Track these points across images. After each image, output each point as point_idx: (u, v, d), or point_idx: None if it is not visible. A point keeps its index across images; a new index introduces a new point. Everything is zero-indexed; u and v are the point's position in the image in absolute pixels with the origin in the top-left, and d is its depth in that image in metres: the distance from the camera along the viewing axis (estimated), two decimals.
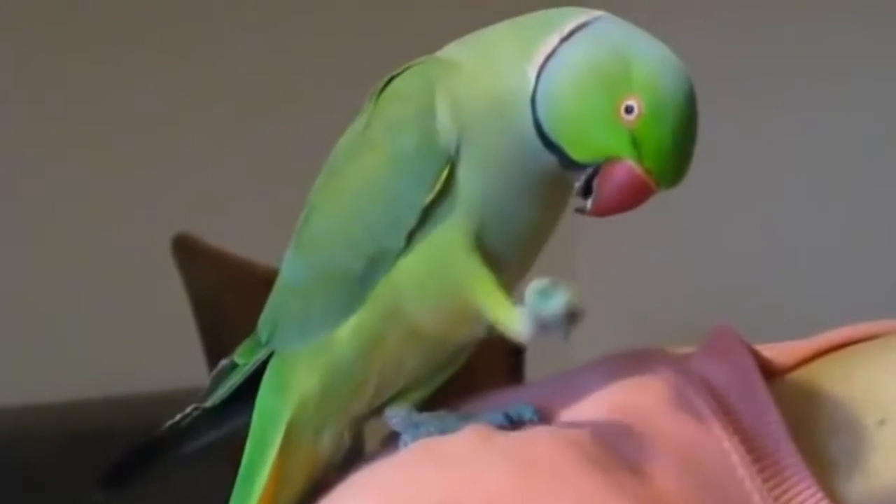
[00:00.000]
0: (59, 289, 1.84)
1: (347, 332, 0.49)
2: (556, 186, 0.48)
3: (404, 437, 0.50)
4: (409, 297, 0.48)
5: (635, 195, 0.46)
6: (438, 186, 0.47)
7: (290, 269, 0.52)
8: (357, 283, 0.49)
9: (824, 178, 1.93)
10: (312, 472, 0.52)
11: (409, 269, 0.48)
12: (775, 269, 1.96)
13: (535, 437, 0.46)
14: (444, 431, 0.48)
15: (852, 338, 0.52)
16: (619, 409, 0.47)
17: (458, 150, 0.47)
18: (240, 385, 0.53)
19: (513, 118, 0.47)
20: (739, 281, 1.99)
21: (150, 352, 1.84)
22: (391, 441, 0.51)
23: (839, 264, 1.87)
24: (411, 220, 0.47)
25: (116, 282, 1.87)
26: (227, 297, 1.45)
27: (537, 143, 0.47)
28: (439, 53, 0.50)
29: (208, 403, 0.54)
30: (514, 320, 0.46)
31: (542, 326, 0.45)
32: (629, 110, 0.45)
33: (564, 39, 0.46)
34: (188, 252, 1.54)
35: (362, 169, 0.49)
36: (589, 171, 0.46)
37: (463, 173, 0.47)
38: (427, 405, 0.52)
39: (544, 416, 0.49)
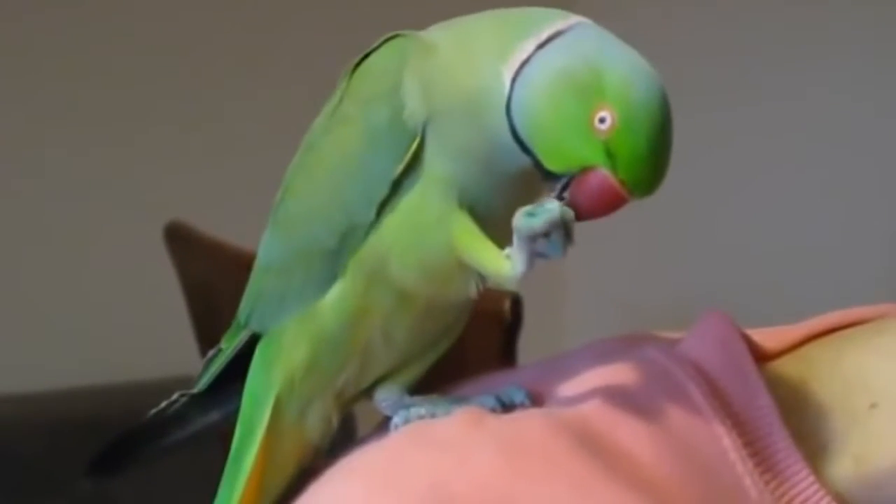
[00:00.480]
0: (51, 277, 1.84)
1: (331, 303, 0.50)
2: (529, 180, 0.48)
3: (395, 420, 0.50)
4: (394, 261, 0.49)
5: (609, 204, 0.46)
6: (408, 157, 0.47)
7: (266, 250, 0.53)
8: (331, 258, 0.49)
9: (810, 169, 1.93)
10: (300, 455, 0.52)
11: (391, 233, 0.48)
12: (765, 259, 1.96)
13: (526, 421, 0.45)
14: (434, 414, 0.48)
15: (842, 322, 0.52)
16: (611, 392, 0.47)
17: (424, 130, 0.48)
18: (230, 371, 0.53)
19: (486, 119, 0.47)
20: (730, 269, 1.99)
21: (143, 340, 1.84)
22: (383, 425, 0.51)
23: (827, 253, 1.87)
24: (383, 191, 0.48)
25: (108, 270, 1.87)
26: (220, 285, 1.45)
27: (512, 145, 0.47)
28: (422, 33, 0.50)
29: (194, 390, 0.54)
30: (504, 264, 0.46)
31: (536, 251, 0.45)
32: (602, 121, 0.45)
33: (541, 46, 0.46)
34: (181, 240, 1.54)
35: (335, 144, 0.50)
36: (564, 180, 0.46)
37: (430, 153, 0.48)
38: (419, 389, 0.52)
39: (536, 400, 0.49)
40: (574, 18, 0.47)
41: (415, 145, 0.48)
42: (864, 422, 0.48)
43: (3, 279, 1.82)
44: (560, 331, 2.15)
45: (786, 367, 0.51)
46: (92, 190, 1.85)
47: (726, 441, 0.46)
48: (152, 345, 1.80)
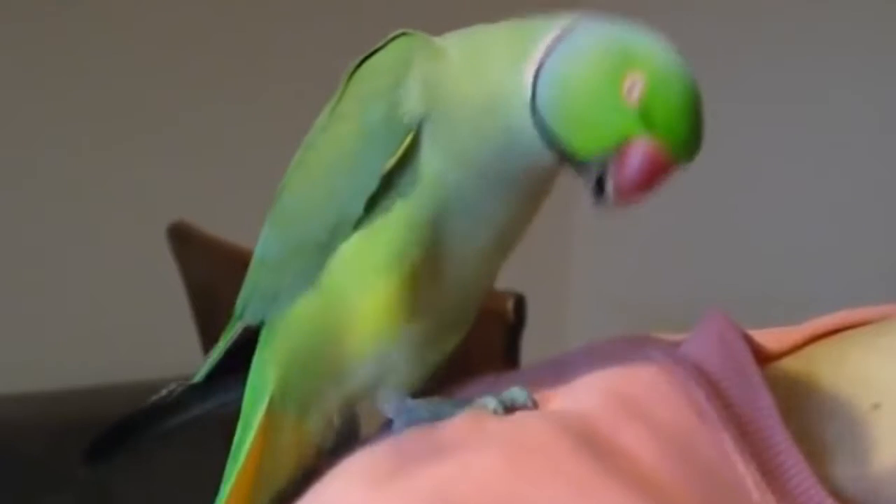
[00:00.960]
0: (52, 277, 1.84)
1: (318, 297, 0.50)
2: (534, 185, 0.48)
3: (397, 424, 0.50)
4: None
5: (654, 173, 0.45)
6: (400, 152, 0.47)
7: (264, 245, 0.53)
8: (322, 252, 0.49)
9: (812, 170, 1.93)
10: (300, 453, 0.52)
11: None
12: (767, 260, 1.96)
13: (528, 423, 0.45)
14: (437, 417, 0.48)
15: (845, 323, 0.52)
16: (613, 394, 0.47)
17: (421, 130, 0.48)
18: (231, 364, 0.54)
19: (502, 122, 0.47)
20: (732, 271, 1.99)
21: (146, 340, 1.84)
22: (385, 428, 0.51)
23: (829, 254, 1.87)
24: (371, 186, 0.48)
25: (111, 270, 1.87)
26: (224, 285, 1.44)
27: (529, 145, 0.47)
28: (434, 38, 0.50)
29: (192, 381, 0.54)
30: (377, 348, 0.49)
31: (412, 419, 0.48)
32: (632, 88, 0.45)
33: (559, 40, 0.47)
34: (184, 240, 1.54)
35: (331, 140, 0.50)
36: (599, 166, 0.46)
37: (426, 153, 0.48)
38: (421, 391, 0.52)
39: (538, 402, 0.49)
40: (581, 13, 0.48)
41: (408, 140, 0.48)
42: (867, 422, 0.48)
43: (3, 279, 1.82)
44: (563, 331, 2.15)
45: (788, 367, 0.51)
46: (94, 190, 1.85)
47: (728, 442, 0.46)
48: (154, 345, 1.80)
